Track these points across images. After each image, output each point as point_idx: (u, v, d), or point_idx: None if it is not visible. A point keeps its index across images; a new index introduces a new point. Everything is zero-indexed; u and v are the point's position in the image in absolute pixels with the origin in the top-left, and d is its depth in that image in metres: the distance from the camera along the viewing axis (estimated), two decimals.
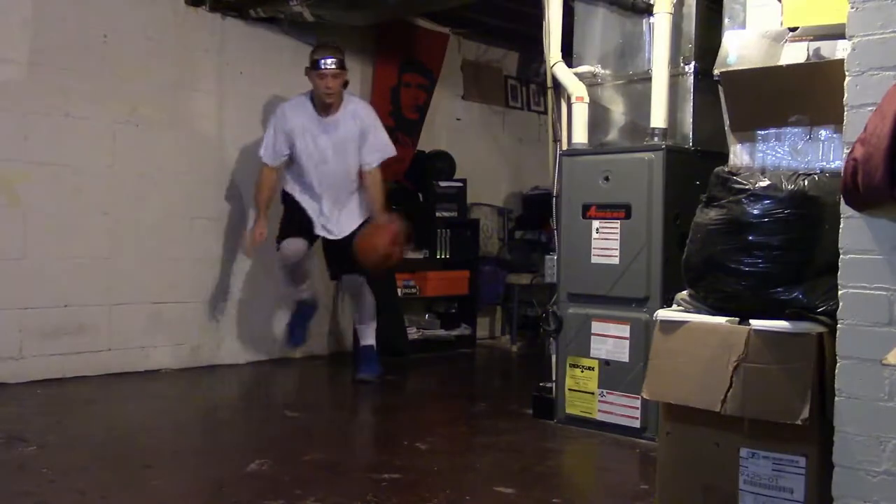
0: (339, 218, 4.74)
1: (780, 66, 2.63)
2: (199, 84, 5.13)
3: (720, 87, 2.81)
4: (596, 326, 3.68)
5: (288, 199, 4.79)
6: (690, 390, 2.43)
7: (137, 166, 4.87)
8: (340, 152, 4.69)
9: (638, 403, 3.52)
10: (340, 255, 4.75)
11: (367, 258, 4.53)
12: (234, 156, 5.26)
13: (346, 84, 4.73)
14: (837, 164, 2.47)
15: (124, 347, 4.85)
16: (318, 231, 4.75)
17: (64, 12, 4.58)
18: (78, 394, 4.34)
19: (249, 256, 5.00)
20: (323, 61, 4.59)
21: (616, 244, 3.62)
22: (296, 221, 4.72)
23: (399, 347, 5.74)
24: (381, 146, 4.77)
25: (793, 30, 2.66)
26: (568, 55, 4.00)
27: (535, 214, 6.69)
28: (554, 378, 3.86)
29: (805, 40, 2.61)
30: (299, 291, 4.95)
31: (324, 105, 4.65)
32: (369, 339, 4.98)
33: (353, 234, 4.67)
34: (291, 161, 4.75)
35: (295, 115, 4.69)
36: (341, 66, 4.64)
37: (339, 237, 4.72)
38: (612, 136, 3.96)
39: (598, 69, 3.97)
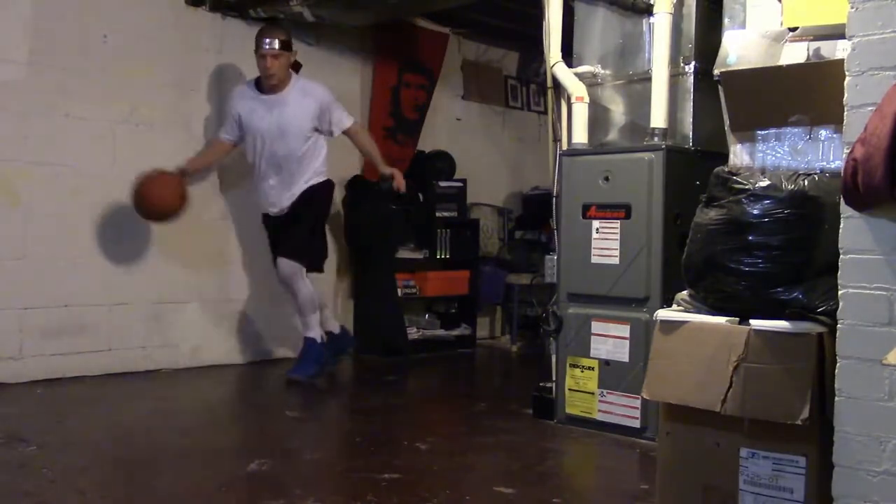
0: (283, 195, 4.76)
1: (780, 66, 2.63)
2: (199, 84, 5.13)
3: (720, 87, 2.81)
4: (596, 326, 3.68)
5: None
6: (690, 390, 2.43)
7: (137, 166, 4.85)
8: (284, 131, 4.69)
9: (638, 403, 3.52)
10: (281, 235, 4.76)
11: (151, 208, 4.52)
12: (233, 156, 5.26)
13: (297, 67, 4.77)
14: (837, 164, 2.47)
15: (124, 347, 4.85)
16: (270, 208, 4.81)
17: (64, 12, 4.58)
18: (78, 394, 4.34)
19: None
20: (263, 41, 4.57)
21: (616, 244, 3.62)
22: (270, 239, 4.88)
23: (399, 347, 5.75)
24: (343, 118, 4.82)
25: (793, 30, 2.66)
26: (568, 55, 4.00)
27: (535, 214, 6.69)
28: (554, 378, 3.86)
29: (805, 40, 2.61)
30: (312, 322, 4.81)
31: (268, 86, 4.68)
32: (310, 330, 4.79)
33: (296, 210, 4.72)
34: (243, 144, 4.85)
35: (242, 100, 4.76)
36: (284, 46, 4.61)
37: (282, 213, 4.77)
38: (612, 136, 3.96)
39: (598, 69, 3.97)
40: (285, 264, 4.66)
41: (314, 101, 4.72)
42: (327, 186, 4.88)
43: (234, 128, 4.81)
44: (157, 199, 4.51)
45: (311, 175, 4.79)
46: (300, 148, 4.73)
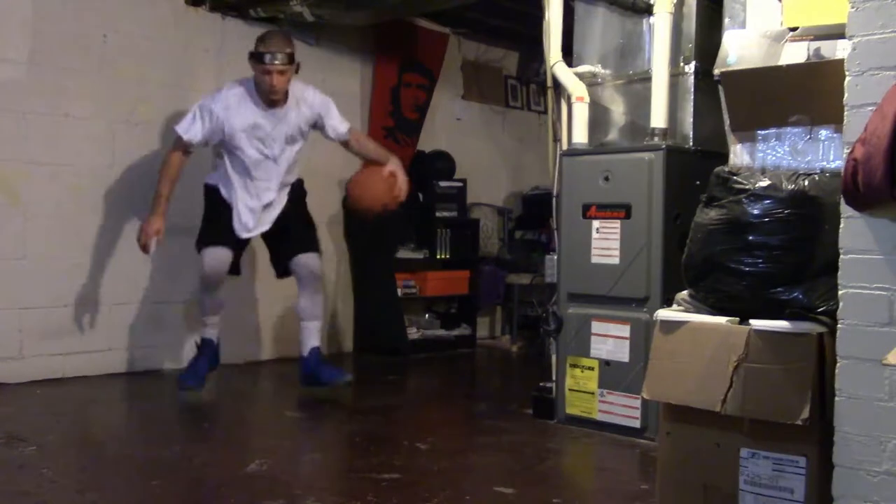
0: (264, 217, 4.39)
1: (780, 66, 2.63)
2: (199, 84, 5.12)
3: (720, 87, 2.81)
4: (596, 326, 3.68)
5: (213, 197, 4.37)
6: (690, 390, 2.43)
7: (137, 166, 4.87)
8: (289, 144, 4.34)
9: (638, 403, 3.52)
10: (288, 236, 4.39)
11: (364, 206, 4.38)
12: None
13: (297, 68, 4.27)
14: (837, 164, 2.47)
15: (124, 347, 4.85)
16: (250, 231, 4.35)
17: (64, 12, 4.58)
18: (78, 394, 4.34)
19: (147, 253, 4.24)
20: (269, 55, 4.10)
21: (616, 244, 3.62)
22: (221, 225, 4.29)
23: (399, 347, 5.75)
24: (341, 120, 4.43)
25: (793, 30, 2.66)
26: (568, 55, 4.00)
27: (535, 214, 6.69)
28: (554, 378, 3.86)
29: (805, 40, 2.61)
30: (207, 324, 4.47)
31: (269, 100, 4.25)
32: (317, 339, 4.52)
33: (286, 215, 4.40)
34: (221, 155, 4.40)
35: (240, 113, 4.22)
36: (290, 59, 4.15)
37: (271, 226, 4.39)
38: (612, 136, 3.96)
39: (598, 69, 3.98)
40: (312, 259, 4.38)
41: (309, 110, 4.35)
42: (301, 184, 4.57)
43: (211, 135, 4.23)
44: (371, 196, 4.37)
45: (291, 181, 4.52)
46: (295, 164, 4.46)
